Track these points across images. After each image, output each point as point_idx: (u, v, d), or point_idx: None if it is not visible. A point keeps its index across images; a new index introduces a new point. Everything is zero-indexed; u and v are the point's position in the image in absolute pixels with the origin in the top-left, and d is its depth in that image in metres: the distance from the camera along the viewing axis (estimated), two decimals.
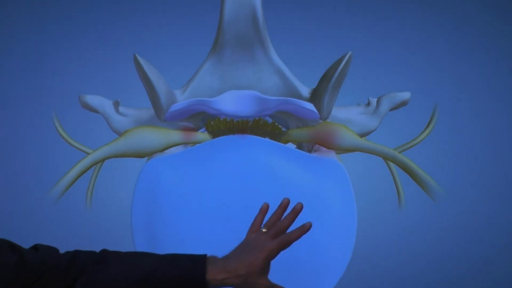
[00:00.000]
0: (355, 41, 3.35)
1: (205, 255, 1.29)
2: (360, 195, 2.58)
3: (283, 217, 1.34)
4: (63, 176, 2.54)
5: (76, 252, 1.30)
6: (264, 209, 1.37)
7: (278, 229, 1.33)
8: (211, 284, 1.29)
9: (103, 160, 2.58)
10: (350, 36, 3.38)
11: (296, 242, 2.44)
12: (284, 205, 1.37)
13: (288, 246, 1.33)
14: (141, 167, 2.50)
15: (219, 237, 2.43)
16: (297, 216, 1.34)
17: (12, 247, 1.25)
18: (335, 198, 2.48)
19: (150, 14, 3.44)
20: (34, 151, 3.26)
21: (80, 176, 2.56)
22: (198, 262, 1.27)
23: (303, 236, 2.43)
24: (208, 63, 2.57)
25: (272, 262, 2.55)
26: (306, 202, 2.44)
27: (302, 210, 2.44)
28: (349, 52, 2.44)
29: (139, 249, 2.49)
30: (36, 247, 1.29)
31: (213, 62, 2.56)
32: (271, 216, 1.35)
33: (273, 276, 2.46)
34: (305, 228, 1.34)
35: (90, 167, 2.58)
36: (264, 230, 1.33)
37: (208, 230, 2.43)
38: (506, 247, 3.35)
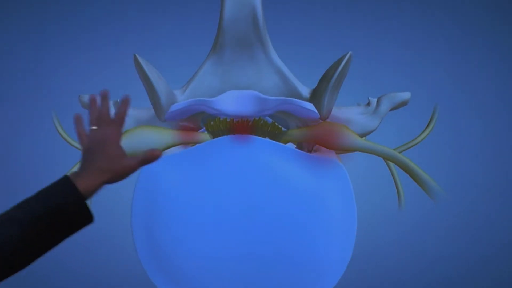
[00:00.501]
0: (355, 41, 3.35)
1: (65, 175, 1.28)
2: (360, 195, 2.58)
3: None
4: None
5: None
6: (92, 101, 1.36)
7: (104, 117, 1.32)
8: (86, 192, 1.27)
9: None
10: (350, 36, 3.38)
11: (296, 242, 2.45)
12: (92, 101, 1.36)
13: (122, 119, 1.33)
14: (141, 167, 2.50)
15: (219, 237, 2.43)
16: (106, 100, 1.34)
17: None
18: (335, 198, 2.48)
19: (150, 14, 3.44)
20: (34, 151, 3.26)
21: None
22: (65, 185, 1.25)
23: (303, 236, 2.43)
24: (208, 63, 2.57)
25: (272, 262, 2.55)
26: (306, 202, 2.44)
27: (302, 210, 2.45)
28: (349, 52, 2.43)
29: (139, 248, 2.49)
30: None
31: (213, 62, 2.56)
32: (91, 113, 1.34)
33: (273, 275, 2.46)
34: (126, 98, 1.34)
35: None
36: (94, 128, 1.33)
37: (208, 230, 2.43)
38: (506, 247, 3.35)
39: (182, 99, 2.54)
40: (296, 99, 2.47)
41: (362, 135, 2.60)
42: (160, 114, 2.49)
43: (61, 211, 1.23)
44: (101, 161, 1.29)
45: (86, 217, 1.27)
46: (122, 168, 1.31)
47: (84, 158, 1.31)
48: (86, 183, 1.27)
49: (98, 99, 1.33)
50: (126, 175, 1.34)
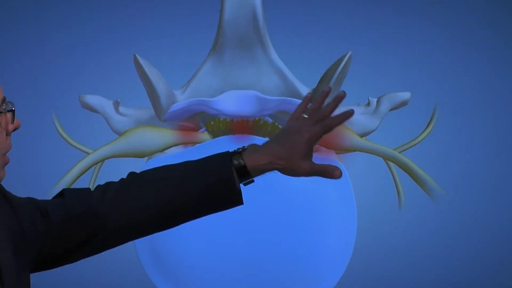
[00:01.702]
0: (355, 41, 3.35)
1: (242, 147, 1.28)
2: (360, 195, 2.58)
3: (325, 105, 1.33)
4: (63, 176, 2.54)
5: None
6: (308, 98, 1.36)
7: (320, 115, 1.32)
8: (254, 169, 1.27)
9: (103, 160, 2.58)
10: (350, 36, 3.38)
11: (296, 242, 2.45)
12: (326, 93, 1.36)
13: (331, 130, 1.32)
14: (141, 167, 2.50)
15: (219, 237, 2.43)
16: (339, 104, 1.34)
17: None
18: (335, 198, 2.48)
19: (150, 15, 3.43)
20: (34, 151, 3.26)
21: (80, 176, 2.56)
22: (227, 156, 1.25)
23: (303, 236, 2.44)
24: (208, 63, 2.57)
25: (272, 261, 2.55)
26: (306, 202, 2.44)
27: (302, 210, 2.45)
28: (349, 52, 2.44)
29: (139, 248, 2.49)
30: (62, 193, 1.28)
31: (213, 62, 2.56)
32: (313, 104, 1.33)
33: (274, 275, 2.46)
34: (349, 114, 1.33)
35: (90, 167, 2.58)
36: (305, 116, 1.32)
37: (208, 229, 2.43)
38: (506, 247, 3.35)
39: (182, 99, 2.54)
40: (296, 99, 2.47)
41: (362, 135, 2.60)
42: (160, 114, 2.49)
43: (212, 189, 1.23)
44: (286, 148, 1.28)
45: (233, 201, 1.28)
46: (298, 165, 1.29)
47: (277, 137, 1.31)
48: (259, 160, 1.27)
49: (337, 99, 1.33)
50: (297, 173, 1.32)
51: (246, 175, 1.28)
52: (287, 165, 1.29)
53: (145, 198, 1.26)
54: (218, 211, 1.30)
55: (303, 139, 1.29)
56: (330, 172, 1.32)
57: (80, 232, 1.22)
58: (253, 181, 1.30)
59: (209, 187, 1.26)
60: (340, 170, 1.32)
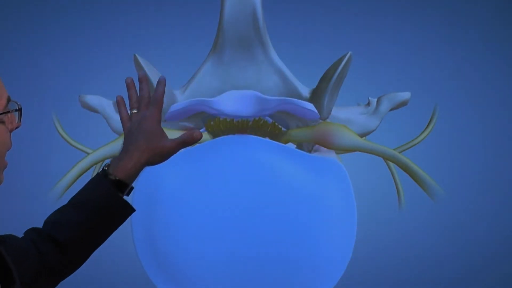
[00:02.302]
0: (355, 40, 3.35)
1: (106, 164, 1.30)
2: (360, 195, 2.58)
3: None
4: (63, 176, 2.54)
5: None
6: (129, 85, 1.38)
7: (144, 99, 1.34)
8: (127, 176, 1.29)
9: (103, 160, 2.59)
10: (350, 36, 3.38)
11: (296, 241, 2.45)
12: (131, 84, 1.38)
13: (160, 101, 1.35)
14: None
15: (219, 236, 2.43)
16: (146, 83, 1.36)
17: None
18: (335, 198, 2.48)
19: (150, 14, 3.43)
20: (34, 151, 3.26)
21: (80, 176, 2.56)
22: (102, 174, 1.27)
23: (303, 236, 2.43)
24: (208, 63, 2.57)
25: (272, 261, 2.55)
26: (306, 202, 2.45)
27: (302, 209, 2.45)
28: (349, 52, 2.44)
29: (139, 248, 2.49)
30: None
31: (213, 62, 2.56)
32: (130, 97, 1.36)
33: (274, 275, 2.46)
34: (162, 79, 1.35)
35: (90, 167, 2.58)
36: (134, 111, 1.34)
37: (208, 229, 2.43)
38: (506, 247, 3.35)
39: (182, 99, 2.54)
40: (296, 99, 2.47)
41: (362, 135, 2.60)
42: None
43: (100, 209, 1.25)
44: (140, 140, 1.29)
45: (125, 211, 1.29)
46: (161, 147, 1.30)
47: (125, 140, 1.32)
48: (126, 166, 1.28)
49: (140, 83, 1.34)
50: (166, 155, 1.32)
51: (123, 185, 1.29)
52: (151, 153, 1.30)
53: (52, 242, 1.26)
54: (117, 227, 1.31)
55: (150, 121, 1.30)
56: (190, 137, 1.33)
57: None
58: (132, 187, 1.31)
59: (95, 211, 1.27)
60: (199, 131, 1.33)
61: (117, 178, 1.29)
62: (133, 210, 1.31)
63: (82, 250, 1.29)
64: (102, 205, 1.27)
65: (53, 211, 1.32)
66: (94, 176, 1.31)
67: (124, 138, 1.33)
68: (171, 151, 1.33)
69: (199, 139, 1.34)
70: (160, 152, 1.32)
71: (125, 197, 1.30)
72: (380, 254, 3.28)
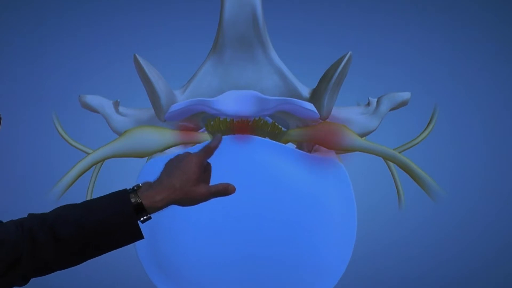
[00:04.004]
0: (355, 40, 3.35)
1: (136, 185, 1.29)
2: (360, 195, 2.58)
3: None
4: (63, 176, 2.54)
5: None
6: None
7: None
8: (151, 207, 1.28)
9: (103, 160, 2.58)
10: (350, 36, 3.38)
11: (295, 241, 2.45)
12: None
13: (212, 152, 1.38)
14: (141, 167, 2.50)
15: (218, 237, 2.43)
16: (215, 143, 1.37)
17: None
18: (335, 198, 2.48)
19: (150, 14, 3.44)
20: (33, 151, 3.26)
21: (80, 176, 2.56)
22: (124, 196, 1.27)
23: (303, 236, 2.43)
24: (208, 63, 2.56)
25: (271, 261, 2.55)
26: (306, 202, 2.44)
27: (302, 209, 2.44)
28: (349, 52, 2.43)
29: (140, 247, 2.49)
30: None
31: (213, 62, 2.56)
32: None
33: (273, 275, 2.46)
34: (220, 138, 1.36)
35: (90, 167, 2.58)
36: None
37: (208, 229, 2.43)
38: (506, 247, 3.35)
39: (182, 99, 2.54)
40: (296, 99, 2.47)
41: (362, 135, 2.60)
42: (160, 114, 2.49)
43: (109, 228, 1.24)
44: (176, 178, 1.30)
45: (133, 235, 1.29)
46: (193, 192, 1.31)
47: (164, 169, 1.33)
48: (154, 197, 1.28)
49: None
50: (196, 201, 1.34)
51: (144, 212, 1.28)
52: (183, 195, 1.31)
53: (48, 234, 1.26)
54: (119, 246, 1.31)
55: (191, 163, 1.31)
56: (225, 190, 1.37)
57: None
58: (150, 217, 1.31)
59: (106, 219, 1.26)
60: (233, 185, 1.37)
61: (140, 202, 1.28)
62: (141, 237, 1.30)
63: (74, 254, 1.28)
64: (115, 220, 1.27)
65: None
66: (120, 190, 1.30)
67: (164, 167, 1.34)
68: (202, 199, 1.35)
69: (232, 193, 1.35)
70: (191, 197, 1.33)
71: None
72: (380, 254, 3.28)
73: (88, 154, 2.58)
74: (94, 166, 2.63)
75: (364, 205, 2.69)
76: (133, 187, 1.30)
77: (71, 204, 1.30)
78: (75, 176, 2.54)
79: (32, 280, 1.31)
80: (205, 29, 2.69)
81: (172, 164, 1.33)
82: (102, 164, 2.69)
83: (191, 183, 1.31)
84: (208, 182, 1.36)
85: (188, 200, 1.32)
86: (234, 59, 2.54)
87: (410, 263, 3.28)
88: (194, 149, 2.48)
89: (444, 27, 3.41)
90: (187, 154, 1.33)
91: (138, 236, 1.30)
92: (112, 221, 1.27)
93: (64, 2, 3.45)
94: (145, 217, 1.30)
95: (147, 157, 2.57)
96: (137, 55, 2.43)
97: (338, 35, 3.38)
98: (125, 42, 3.36)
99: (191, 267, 2.44)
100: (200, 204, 2.40)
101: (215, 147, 1.35)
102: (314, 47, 3.35)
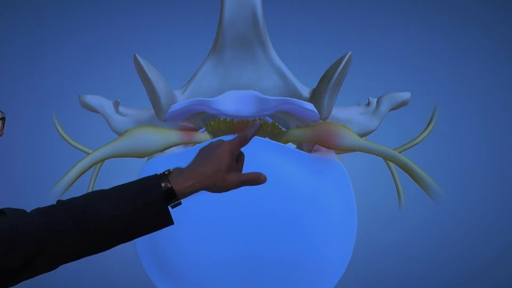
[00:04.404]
0: (355, 40, 3.35)
1: (167, 170, 1.29)
2: (360, 195, 2.58)
3: None
4: (63, 176, 2.54)
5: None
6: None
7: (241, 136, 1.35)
8: (181, 192, 1.28)
9: (103, 160, 2.58)
10: (350, 36, 3.38)
11: (295, 241, 2.45)
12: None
13: (247, 141, 1.34)
14: (141, 167, 2.50)
15: (218, 237, 2.43)
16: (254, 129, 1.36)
17: None
18: (335, 198, 2.48)
19: (150, 14, 3.44)
20: (33, 151, 3.26)
21: (80, 176, 2.56)
22: (154, 182, 1.26)
23: (303, 236, 2.43)
24: (208, 63, 2.56)
25: (271, 261, 2.55)
26: (306, 202, 2.44)
27: (302, 209, 2.44)
28: (349, 52, 2.43)
29: (140, 248, 2.49)
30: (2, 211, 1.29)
31: (213, 62, 2.56)
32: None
33: (273, 275, 2.46)
34: (258, 125, 1.35)
35: (90, 167, 2.58)
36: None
37: (208, 229, 2.43)
38: (506, 247, 3.35)
39: (182, 99, 2.54)
40: (296, 99, 2.47)
41: (362, 135, 2.60)
42: (160, 114, 2.49)
43: (140, 218, 1.25)
44: (207, 165, 1.30)
45: (163, 222, 1.29)
46: (224, 180, 1.31)
47: (196, 157, 1.33)
48: (184, 183, 1.28)
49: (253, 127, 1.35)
50: (226, 188, 1.33)
51: (174, 197, 1.29)
52: (214, 182, 1.31)
53: (76, 225, 1.25)
54: (149, 232, 1.31)
55: (224, 152, 1.30)
56: (256, 179, 1.35)
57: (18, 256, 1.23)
58: (180, 203, 1.31)
59: (137, 209, 1.26)
60: (264, 175, 1.35)
61: (170, 187, 1.28)
62: (171, 223, 1.31)
63: (102, 245, 1.27)
64: (147, 211, 1.27)
65: None
66: (151, 176, 1.30)
67: (197, 154, 1.34)
68: (232, 186, 1.33)
69: (263, 183, 1.34)
70: (221, 184, 1.32)
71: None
72: (380, 254, 3.28)
73: (88, 154, 2.58)
74: (94, 166, 2.63)
75: (364, 205, 2.69)
76: (163, 172, 1.30)
77: (101, 192, 1.29)
78: (75, 176, 2.54)
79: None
80: (205, 29, 2.69)
81: (205, 151, 1.32)
82: (102, 164, 2.69)
83: (222, 171, 1.31)
84: (241, 170, 1.35)
85: (218, 187, 1.33)
86: (234, 59, 2.54)
87: (410, 263, 3.28)
88: (194, 149, 2.48)
89: (444, 27, 3.41)
90: (220, 141, 1.33)
91: (168, 222, 1.31)
92: (144, 212, 1.27)
93: (64, 2, 3.45)
94: (175, 202, 1.30)
95: (147, 157, 2.57)
96: (137, 55, 2.43)
97: (338, 35, 3.37)
98: (125, 42, 3.36)
99: (191, 267, 2.44)
100: (200, 204, 2.40)
101: (252, 136, 1.34)
102: (314, 47, 3.34)
